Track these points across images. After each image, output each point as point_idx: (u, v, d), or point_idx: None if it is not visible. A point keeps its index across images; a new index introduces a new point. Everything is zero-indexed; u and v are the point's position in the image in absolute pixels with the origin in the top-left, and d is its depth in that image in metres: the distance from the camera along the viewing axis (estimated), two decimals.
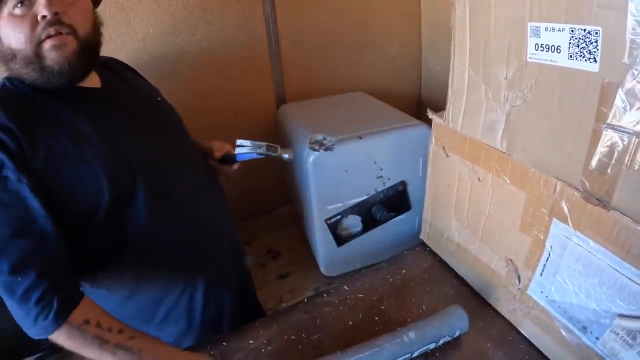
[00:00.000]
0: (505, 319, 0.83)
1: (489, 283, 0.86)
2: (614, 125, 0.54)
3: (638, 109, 0.50)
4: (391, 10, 2.00)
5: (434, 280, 0.96)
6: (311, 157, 1.30)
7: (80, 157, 0.69)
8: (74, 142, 0.69)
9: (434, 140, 0.95)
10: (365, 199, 1.44)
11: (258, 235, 1.99)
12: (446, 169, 0.93)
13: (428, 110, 0.93)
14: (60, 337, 0.63)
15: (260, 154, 0.90)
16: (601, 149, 0.56)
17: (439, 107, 0.92)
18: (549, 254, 0.69)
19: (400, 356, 0.72)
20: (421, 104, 2.30)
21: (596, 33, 0.52)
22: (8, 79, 0.72)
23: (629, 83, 0.50)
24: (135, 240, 0.78)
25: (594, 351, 0.64)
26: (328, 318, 0.87)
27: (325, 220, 1.43)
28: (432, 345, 0.75)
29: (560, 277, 0.68)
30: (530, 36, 0.62)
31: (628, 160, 0.53)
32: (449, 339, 0.77)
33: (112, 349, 0.64)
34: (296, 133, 1.50)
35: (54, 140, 0.67)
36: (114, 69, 0.90)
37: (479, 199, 0.84)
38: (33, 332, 0.63)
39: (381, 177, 1.42)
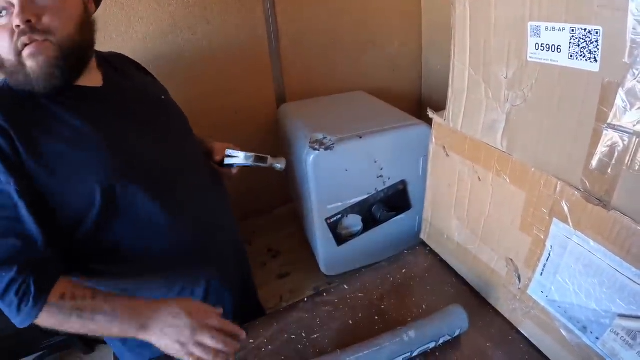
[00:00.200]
0: (505, 318, 0.83)
1: (489, 283, 0.86)
2: (614, 125, 0.54)
3: (638, 108, 0.50)
4: (392, 10, 2.00)
5: (434, 279, 0.96)
6: (311, 156, 1.30)
7: (76, 158, 0.69)
8: (71, 143, 0.69)
9: (434, 139, 0.95)
10: (366, 199, 1.44)
11: (258, 234, 1.99)
12: (446, 168, 0.93)
13: (428, 110, 0.93)
14: (44, 319, 0.65)
15: (250, 165, 0.89)
16: (602, 148, 0.56)
17: (440, 107, 0.92)
18: (549, 254, 0.69)
19: (400, 355, 0.72)
20: (421, 103, 2.29)
21: (597, 33, 0.52)
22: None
23: (629, 83, 0.50)
24: (134, 240, 0.78)
25: (594, 351, 0.64)
26: (328, 317, 0.87)
27: (326, 220, 1.43)
28: (432, 345, 0.75)
29: (560, 277, 0.68)
30: (531, 36, 0.62)
31: (628, 160, 0.53)
32: (449, 338, 0.77)
33: (90, 316, 0.66)
34: (296, 132, 1.50)
35: (51, 142, 0.68)
36: (119, 66, 0.89)
37: (479, 198, 0.84)
38: (19, 321, 0.64)
39: (381, 176, 1.42)
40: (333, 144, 1.31)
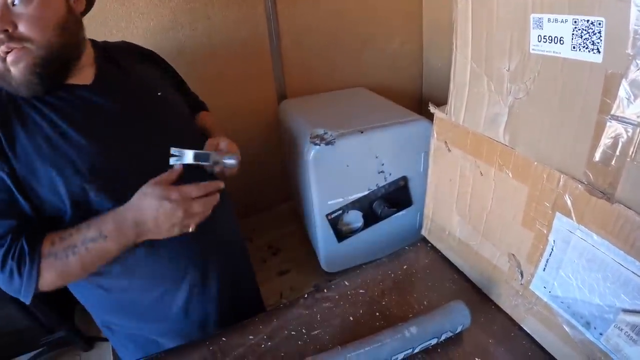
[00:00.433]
0: (507, 314, 0.82)
1: (491, 279, 0.86)
2: (618, 116, 0.53)
3: None
4: (393, 9, 2.00)
5: (436, 276, 0.95)
6: (312, 152, 1.29)
7: (54, 158, 0.70)
8: (52, 142, 0.71)
9: (435, 134, 0.94)
10: (367, 194, 1.44)
11: (258, 231, 1.99)
12: (448, 163, 0.92)
13: (430, 104, 0.92)
14: (46, 276, 0.68)
15: (194, 164, 0.81)
16: (605, 140, 0.55)
17: (440, 105, 0.91)
18: (552, 249, 0.68)
19: (402, 352, 0.72)
20: (422, 101, 2.29)
21: (599, 24, 0.51)
22: None
23: (632, 74, 0.49)
24: None
25: (598, 347, 0.63)
26: (329, 313, 0.86)
27: (326, 216, 1.42)
28: (434, 341, 0.75)
29: (563, 272, 0.67)
30: (533, 27, 0.61)
31: (632, 152, 0.52)
32: (451, 334, 0.76)
33: (82, 248, 0.69)
34: (297, 128, 1.50)
35: (32, 141, 0.70)
36: (120, 59, 0.89)
37: (481, 193, 0.83)
38: (25, 288, 0.67)
39: (382, 172, 1.42)
40: (334, 139, 1.30)
